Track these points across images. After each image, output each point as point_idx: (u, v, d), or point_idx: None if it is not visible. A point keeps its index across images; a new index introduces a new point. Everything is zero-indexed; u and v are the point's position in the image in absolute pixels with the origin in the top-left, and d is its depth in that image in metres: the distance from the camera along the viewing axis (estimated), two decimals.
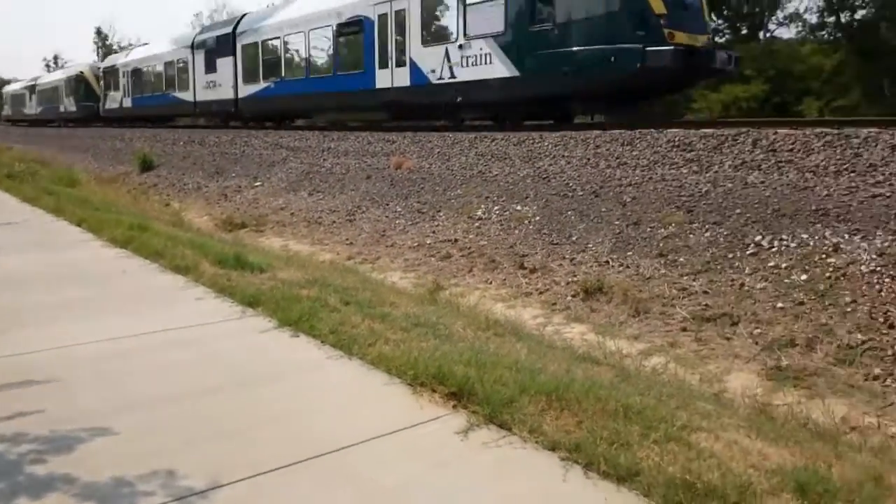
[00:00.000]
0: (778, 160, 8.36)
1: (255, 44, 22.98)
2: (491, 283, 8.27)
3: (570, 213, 8.96)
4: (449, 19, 15.62)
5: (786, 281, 6.18)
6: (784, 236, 6.68)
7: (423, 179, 12.31)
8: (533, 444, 3.26)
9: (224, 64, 24.80)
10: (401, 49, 16.69)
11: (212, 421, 3.50)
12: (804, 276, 6.13)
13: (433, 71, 15.61)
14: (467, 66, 14.78)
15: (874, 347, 5.26)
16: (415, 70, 16.25)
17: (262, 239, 12.01)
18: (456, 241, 9.59)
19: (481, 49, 14.37)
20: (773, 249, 6.61)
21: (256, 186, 15.99)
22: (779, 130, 8.99)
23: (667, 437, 3.24)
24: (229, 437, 3.34)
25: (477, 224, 9.87)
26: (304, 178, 15.23)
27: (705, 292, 6.51)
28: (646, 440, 3.18)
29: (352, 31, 18.43)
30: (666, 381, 4.99)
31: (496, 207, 10.04)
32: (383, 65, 17.16)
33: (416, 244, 9.97)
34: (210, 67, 25.75)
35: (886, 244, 6.07)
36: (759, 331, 5.78)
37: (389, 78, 17.00)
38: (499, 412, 3.53)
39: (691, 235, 7.41)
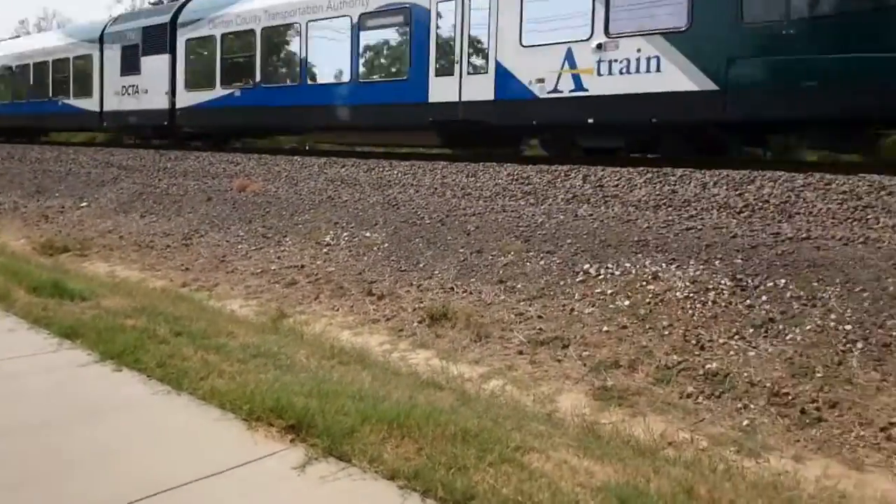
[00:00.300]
0: (605, 195, 9.03)
1: (210, 38, 17.66)
2: (338, 310, 8.17)
3: (417, 240, 9.10)
4: (574, 7, 11.18)
5: (611, 306, 6.64)
6: (609, 265, 7.20)
7: (268, 203, 11.98)
8: (372, 475, 3.23)
9: (153, 64, 19.19)
10: (478, 49, 12.43)
11: (15, 466, 3.14)
12: (627, 302, 6.63)
13: (541, 81, 11.47)
14: (611, 74, 10.76)
15: (688, 367, 5.77)
16: (505, 79, 11.95)
17: (86, 264, 11.07)
18: (302, 267, 9.40)
19: (640, 51, 10.45)
20: (600, 277, 7.10)
21: (82, 207, 14.75)
22: (606, 168, 9.73)
23: (502, 458, 3.34)
24: (35, 482, 3.01)
25: (325, 250, 9.75)
26: (136, 198, 14.28)
27: (540, 317, 6.85)
28: (482, 463, 3.26)
29: (387, 22, 13.85)
30: (503, 404, 5.17)
31: (345, 233, 9.98)
32: (444, 70, 12.81)
33: (259, 270, 9.65)
34: (129, 68, 19.97)
35: (698, 273, 6.72)
36: (587, 353, 6.16)
37: (454, 88, 12.59)
38: (339, 443, 3.47)
39: (528, 263, 7.78)
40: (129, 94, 20.09)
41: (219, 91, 17.58)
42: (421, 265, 8.49)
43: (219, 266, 10.12)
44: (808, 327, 5.71)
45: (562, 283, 7.29)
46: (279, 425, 3.64)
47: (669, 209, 8.22)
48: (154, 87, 19.20)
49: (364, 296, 8.20)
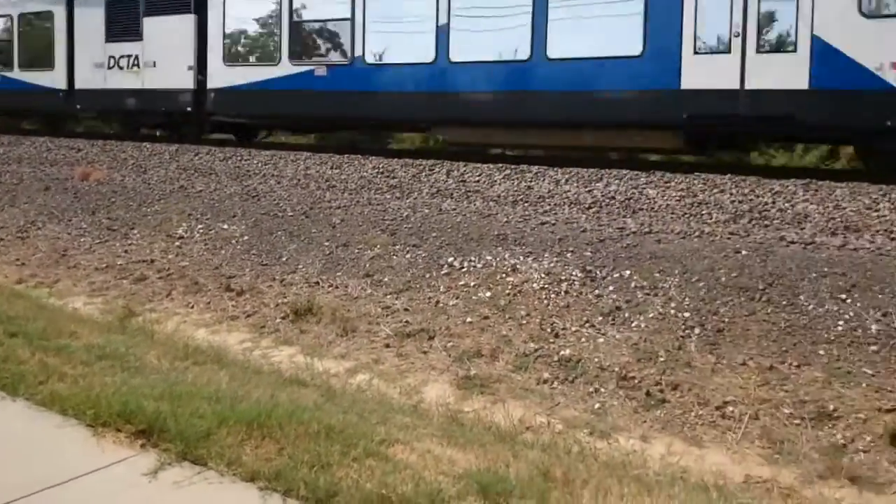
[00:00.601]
0: (468, 190, 9.24)
1: None
2: (193, 307, 7.79)
3: (280, 233, 8.85)
4: None
5: (474, 298, 6.82)
6: (472, 258, 7.38)
7: (114, 193, 11.16)
8: (231, 478, 3.12)
9: (166, 27, 14.28)
10: (775, 16, 9.22)
11: None
12: (489, 294, 6.83)
13: None
14: None
15: (544, 354, 6.04)
16: (830, 59, 8.82)
17: None
18: (153, 261, 8.85)
19: None
20: (464, 270, 7.26)
21: None
22: (468, 163, 9.97)
23: (366, 453, 3.34)
24: None
25: (178, 243, 9.24)
26: None
27: (406, 310, 6.90)
28: (346, 459, 3.25)
29: None
30: (369, 398, 5.17)
31: (200, 226, 9.50)
32: (710, 45, 9.50)
33: (104, 265, 8.98)
34: (121, 32, 15.09)
35: (552, 265, 7.05)
36: (451, 344, 6.29)
37: (732, 71, 9.31)
38: (194, 448, 3.32)
39: (394, 257, 7.82)
40: (121, 67, 15.01)
41: (286, 67, 12.89)
42: (284, 259, 8.27)
43: (59, 261, 9.31)
44: (651, 315, 6.15)
45: (427, 276, 7.38)
46: (128, 431, 3.42)
47: (526, 204, 8.55)
48: (167, 58, 14.30)
49: (222, 291, 7.87)
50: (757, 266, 6.30)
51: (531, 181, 9.25)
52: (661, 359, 5.70)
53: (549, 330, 6.29)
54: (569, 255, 7.12)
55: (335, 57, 12.72)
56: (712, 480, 4.18)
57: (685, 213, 7.77)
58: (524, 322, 6.42)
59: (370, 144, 14.86)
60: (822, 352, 5.36)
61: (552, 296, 6.70)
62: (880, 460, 4.51)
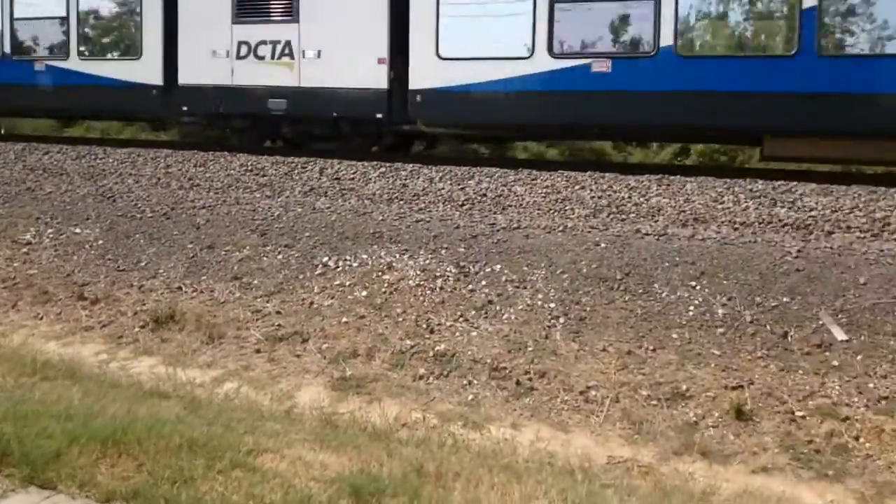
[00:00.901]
0: (342, 188, 9.14)
1: None
2: (42, 318, 7.20)
3: (138, 236, 8.35)
4: None
5: (349, 297, 6.76)
6: (347, 257, 7.31)
7: None
8: (84, 500, 2.91)
9: (334, 5, 10.70)
10: None
11: None
12: (365, 293, 6.79)
13: None
14: None
15: (420, 351, 6.09)
16: None
17: None
18: None
19: None
20: (339, 269, 7.18)
21: None
22: (343, 161, 9.84)
23: (233, 464, 3.22)
24: None
25: (25, 250, 8.50)
26: None
27: (278, 312, 6.73)
28: (210, 472, 3.12)
29: None
30: (238, 407, 4.99)
31: (50, 230, 8.79)
32: None
33: None
34: (257, 9, 11.19)
35: (427, 262, 7.11)
36: (327, 345, 6.20)
37: None
38: (41, 470, 3.07)
39: (265, 258, 7.59)
40: (259, 57, 11.13)
41: (543, 61, 9.68)
42: (143, 264, 7.81)
43: None
44: (521, 307, 6.36)
45: (301, 276, 7.23)
46: None
47: (401, 202, 8.57)
48: (342, 46, 10.60)
49: (74, 301, 7.32)
50: (615, 257, 6.66)
51: (406, 179, 9.28)
52: (530, 348, 5.90)
53: (424, 326, 6.34)
54: (443, 251, 7.21)
55: (627, 48, 9.60)
56: (578, 463, 4.39)
57: (550, 209, 8.08)
58: (400, 319, 6.44)
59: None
60: (675, 336, 5.75)
61: (427, 292, 6.76)
62: (727, 434, 4.91)
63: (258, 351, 6.28)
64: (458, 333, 6.23)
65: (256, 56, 11.11)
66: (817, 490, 4.39)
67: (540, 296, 6.42)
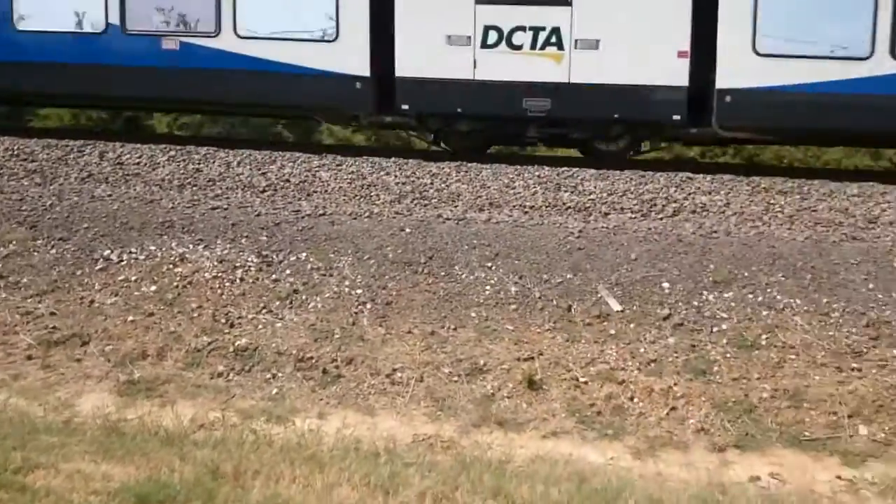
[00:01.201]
0: (126, 173, 8.40)
1: None
2: None
3: None
4: None
5: (136, 294, 6.26)
6: (133, 249, 6.75)
7: None
8: None
9: None
10: None
11: None
12: (154, 288, 6.33)
13: None
14: None
15: (218, 347, 5.81)
16: None
17: None
18: None
19: None
20: (123, 263, 6.61)
21: None
22: (126, 144, 9.04)
23: None
24: None
25: None
26: None
27: (53, 314, 6.07)
28: None
29: None
30: (6, 420, 4.43)
31: None
32: None
33: None
34: None
35: (225, 252, 6.78)
36: (111, 347, 5.71)
37: None
38: None
39: (36, 253, 6.80)
40: (515, 46, 9.09)
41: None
42: None
43: None
44: (327, 294, 6.30)
45: (79, 272, 6.58)
46: None
47: (195, 188, 8.08)
48: (629, 35, 8.92)
49: None
50: (419, 242, 6.82)
51: (199, 163, 8.73)
52: (337, 336, 5.87)
53: (223, 321, 6.06)
54: (243, 240, 6.93)
55: None
56: (383, 445, 4.45)
57: (356, 195, 8.06)
58: (195, 315, 6.09)
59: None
60: (473, 314, 6.03)
61: (226, 284, 6.46)
62: (521, 403, 5.26)
63: (30, 357, 5.65)
64: (260, 326, 6.03)
65: (510, 45, 9.22)
66: (600, 449, 4.85)
67: (347, 282, 6.40)
